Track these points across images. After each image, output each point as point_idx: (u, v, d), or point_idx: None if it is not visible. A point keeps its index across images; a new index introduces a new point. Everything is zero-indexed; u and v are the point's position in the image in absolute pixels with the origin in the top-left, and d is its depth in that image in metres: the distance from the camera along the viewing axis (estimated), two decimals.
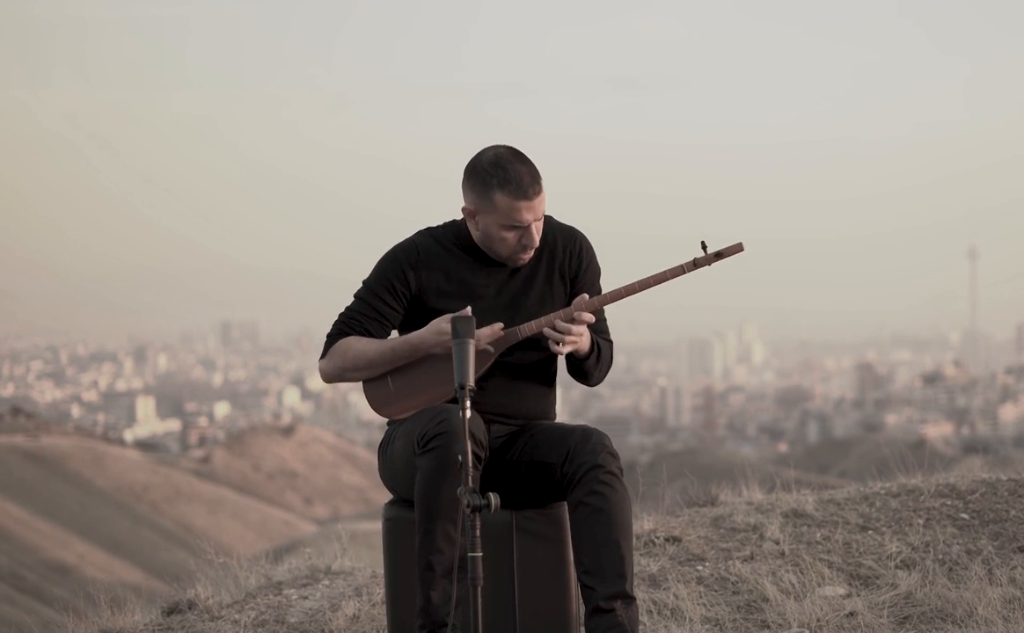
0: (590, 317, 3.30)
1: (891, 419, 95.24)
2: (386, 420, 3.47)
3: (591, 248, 3.49)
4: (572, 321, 3.29)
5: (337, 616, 4.06)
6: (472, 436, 3.16)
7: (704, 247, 3.30)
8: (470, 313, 3.13)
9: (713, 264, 3.31)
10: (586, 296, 3.33)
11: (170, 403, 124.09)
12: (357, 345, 3.38)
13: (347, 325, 3.42)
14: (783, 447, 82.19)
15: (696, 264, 3.31)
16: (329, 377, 3.43)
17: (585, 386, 3.54)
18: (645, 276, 3.31)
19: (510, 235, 3.31)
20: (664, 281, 3.31)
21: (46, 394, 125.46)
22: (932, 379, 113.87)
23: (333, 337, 3.42)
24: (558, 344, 3.29)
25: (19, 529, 43.54)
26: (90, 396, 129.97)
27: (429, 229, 3.46)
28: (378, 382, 3.40)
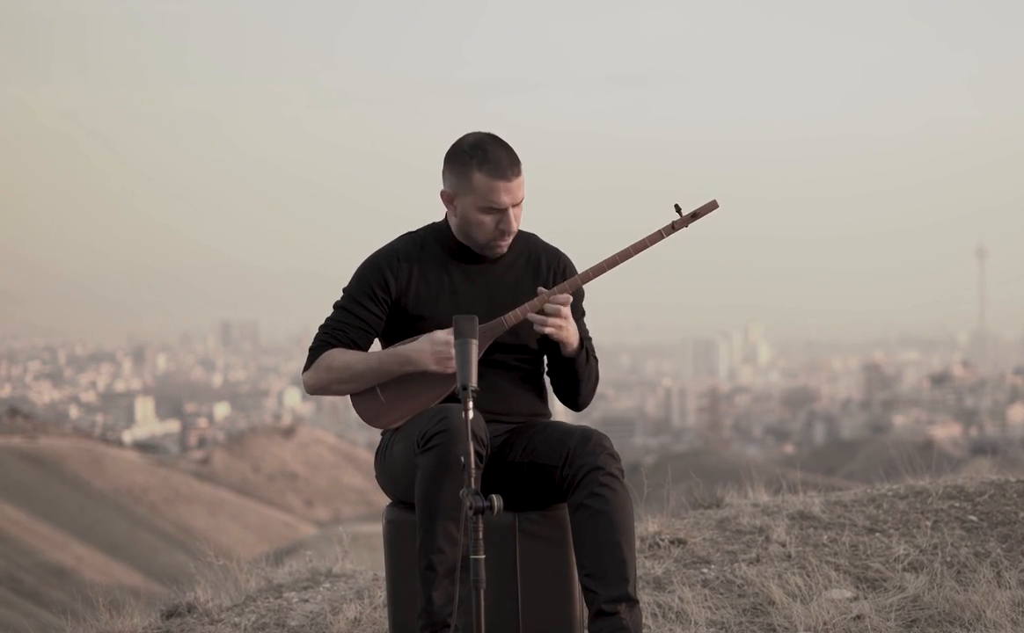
0: (567, 297, 3.27)
1: (898, 420, 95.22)
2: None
3: (574, 269, 3.48)
4: (549, 306, 3.26)
5: (338, 619, 4.03)
6: (474, 435, 3.12)
7: (678, 210, 3.31)
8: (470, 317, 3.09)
9: (690, 225, 3.31)
10: (543, 290, 3.30)
11: (169, 404, 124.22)
12: (344, 357, 3.34)
13: (331, 336, 3.37)
14: (789, 448, 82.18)
15: (674, 227, 3.31)
16: (314, 390, 3.39)
17: (573, 409, 3.50)
18: (624, 247, 3.30)
19: (488, 218, 3.30)
20: (644, 249, 3.31)
21: (44, 395, 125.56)
22: (940, 380, 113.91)
23: (316, 350, 3.38)
24: (544, 327, 3.26)
25: (17, 531, 43.50)
26: (88, 397, 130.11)
27: (409, 233, 3.44)
28: (367, 395, 3.35)
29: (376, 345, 3.45)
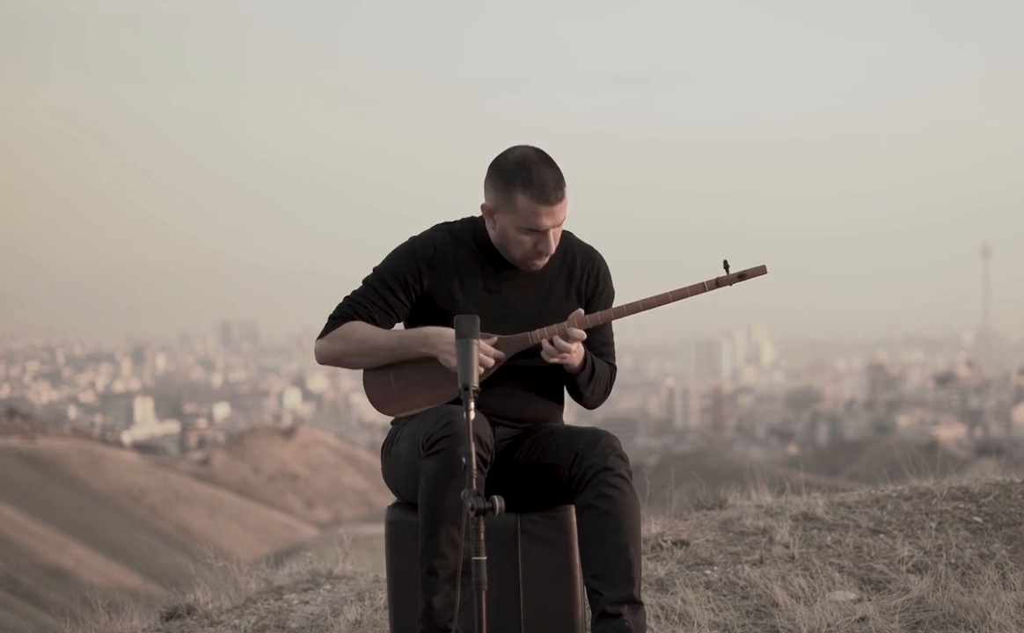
0: (581, 334, 3.24)
1: (903, 421, 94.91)
2: (390, 420, 3.41)
3: (608, 272, 3.45)
4: (565, 336, 3.24)
5: (339, 621, 4.01)
6: (476, 438, 3.10)
7: (727, 267, 3.25)
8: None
9: (735, 285, 3.26)
10: (581, 311, 3.28)
11: (169, 404, 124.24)
12: (364, 329, 3.30)
13: (353, 310, 3.34)
14: (793, 449, 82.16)
15: (718, 283, 3.25)
16: (326, 359, 3.35)
17: (582, 407, 3.48)
18: (663, 291, 3.25)
19: (527, 238, 3.25)
20: (684, 297, 3.26)
21: (43, 395, 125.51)
22: (945, 380, 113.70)
23: (337, 319, 3.34)
24: (551, 358, 3.24)
25: (15, 533, 43.44)
26: (87, 397, 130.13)
27: (447, 224, 3.39)
28: (380, 378, 3.33)
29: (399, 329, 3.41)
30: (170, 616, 4.29)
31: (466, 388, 2.83)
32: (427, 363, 3.29)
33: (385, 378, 3.33)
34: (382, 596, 4.18)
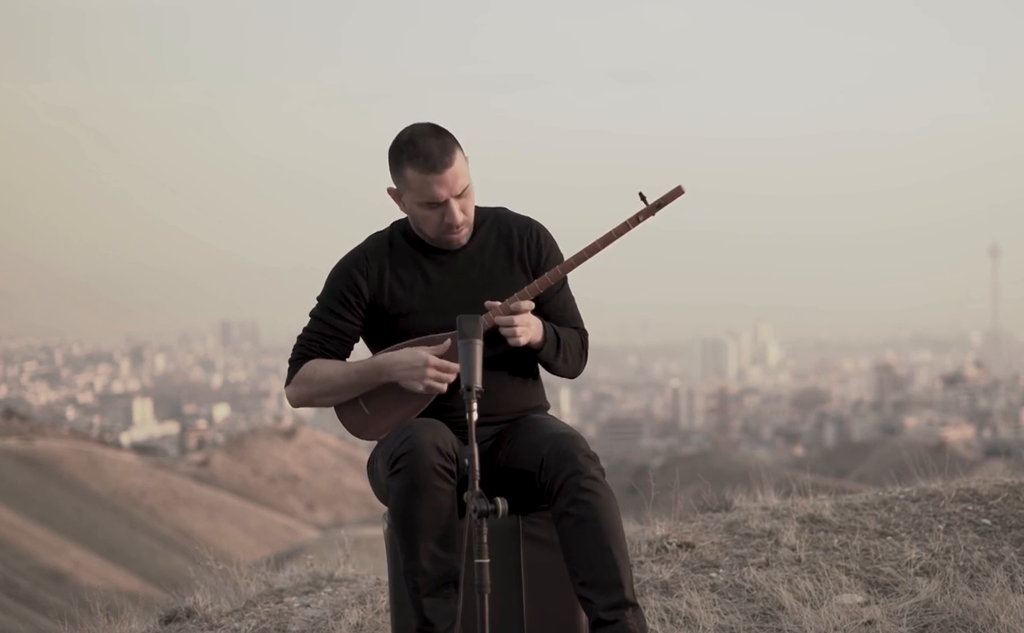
0: (528, 305, 3.19)
1: (911, 421, 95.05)
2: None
3: (550, 237, 3.38)
4: (512, 312, 3.18)
5: (340, 624, 3.99)
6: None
7: (644, 198, 3.22)
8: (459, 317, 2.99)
9: (656, 214, 3.23)
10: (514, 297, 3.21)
11: (168, 405, 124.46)
12: (321, 370, 3.26)
13: (307, 348, 3.30)
14: (799, 450, 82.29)
15: (638, 219, 3.23)
16: (297, 403, 3.33)
17: (560, 377, 3.42)
18: (591, 241, 3.23)
19: (432, 213, 3.21)
20: (612, 241, 3.22)
21: (40, 396, 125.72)
22: (953, 380, 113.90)
23: (295, 363, 3.31)
24: (511, 338, 3.18)
25: (13, 535, 43.45)
26: (86, 398, 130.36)
27: (376, 233, 3.37)
28: (351, 408, 3.28)
29: (364, 349, 3.39)
30: (169, 619, 4.27)
31: (468, 389, 2.79)
32: (392, 383, 3.24)
33: (356, 406, 3.28)
34: (383, 599, 4.16)
